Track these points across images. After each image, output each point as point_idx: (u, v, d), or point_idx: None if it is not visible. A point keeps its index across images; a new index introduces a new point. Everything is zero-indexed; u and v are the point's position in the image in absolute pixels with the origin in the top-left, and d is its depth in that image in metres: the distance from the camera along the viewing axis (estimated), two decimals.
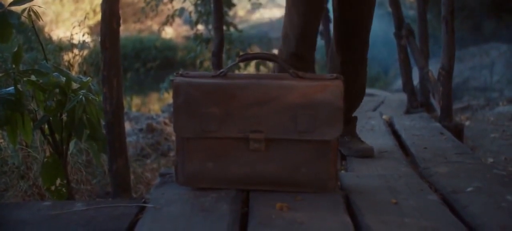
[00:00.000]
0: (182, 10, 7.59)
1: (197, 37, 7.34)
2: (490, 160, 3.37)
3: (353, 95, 2.30)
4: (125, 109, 2.59)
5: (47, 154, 2.02)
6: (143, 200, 1.53)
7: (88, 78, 1.87)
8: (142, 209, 1.45)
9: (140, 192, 3.16)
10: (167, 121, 5.59)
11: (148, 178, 3.48)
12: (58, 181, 1.85)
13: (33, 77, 1.78)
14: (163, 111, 6.76)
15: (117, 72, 1.59)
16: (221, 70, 1.58)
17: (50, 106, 1.78)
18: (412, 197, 1.54)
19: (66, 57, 4.15)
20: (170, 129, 5.15)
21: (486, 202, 1.48)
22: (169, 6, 7.59)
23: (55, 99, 1.79)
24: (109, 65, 1.58)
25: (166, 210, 1.43)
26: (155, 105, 8.46)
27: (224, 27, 4.93)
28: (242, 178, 1.56)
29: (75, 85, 1.81)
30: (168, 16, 7.63)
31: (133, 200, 1.55)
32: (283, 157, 1.54)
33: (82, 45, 4.45)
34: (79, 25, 4.40)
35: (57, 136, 1.85)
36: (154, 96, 9.46)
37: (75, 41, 4.32)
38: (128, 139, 2.75)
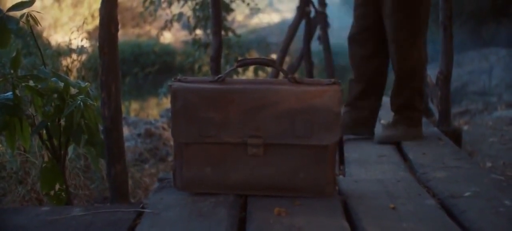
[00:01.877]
0: (180, 15, 7.59)
1: (196, 42, 7.36)
2: (489, 164, 3.37)
3: (399, 78, 2.64)
4: (124, 114, 2.59)
5: (45, 159, 2.01)
6: (141, 205, 1.53)
7: (87, 83, 1.87)
8: (140, 214, 1.45)
9: (138, 197, 3.15)
10: (165, 125, 5.58)
11: (147, 183, 3.48)
12: (56, 186, 1.84)
13: (31, 83, 1.78)
14: (161, 116, 6.75)
15: (115, 77, 1.59)
16: (220, 75, 1.58)
17: (48, 111, 1.77)
18: (410, 202, 1.54)
19: (64, 62, 4.15)
20: (168, 133, 5.14)
21: (484, 207, 1.48)
22: (168, 11, 7.60)
23: (53, 104, 1.78)
24: (107, 70, 1.58)
25: (165, 215, 1.43)
26: (154, 110, 8.45)
27: (223, 32, 4.93)
28: (240, 183, 1.56)
29: (73, 91, 1.80)
30: (166, 21, 7.65)
31: (132, 205, 1.55)
32: (282, 162, 1.54)
33: (81, 50, 4.45)
34: (78, 30, 4.41)
35: (55, 141, 1.84)
36: (152, 101, 9.44)
37: (73, 46, 4.33)
38: (126, 144, 2.75)
